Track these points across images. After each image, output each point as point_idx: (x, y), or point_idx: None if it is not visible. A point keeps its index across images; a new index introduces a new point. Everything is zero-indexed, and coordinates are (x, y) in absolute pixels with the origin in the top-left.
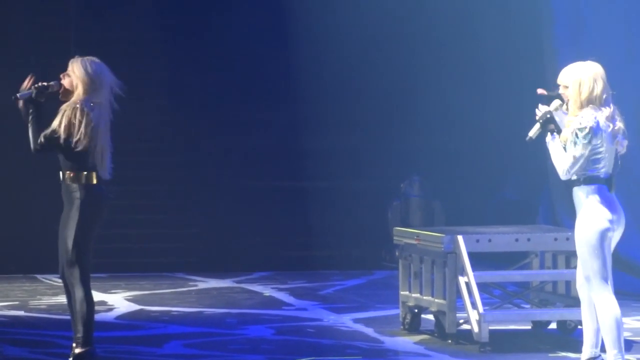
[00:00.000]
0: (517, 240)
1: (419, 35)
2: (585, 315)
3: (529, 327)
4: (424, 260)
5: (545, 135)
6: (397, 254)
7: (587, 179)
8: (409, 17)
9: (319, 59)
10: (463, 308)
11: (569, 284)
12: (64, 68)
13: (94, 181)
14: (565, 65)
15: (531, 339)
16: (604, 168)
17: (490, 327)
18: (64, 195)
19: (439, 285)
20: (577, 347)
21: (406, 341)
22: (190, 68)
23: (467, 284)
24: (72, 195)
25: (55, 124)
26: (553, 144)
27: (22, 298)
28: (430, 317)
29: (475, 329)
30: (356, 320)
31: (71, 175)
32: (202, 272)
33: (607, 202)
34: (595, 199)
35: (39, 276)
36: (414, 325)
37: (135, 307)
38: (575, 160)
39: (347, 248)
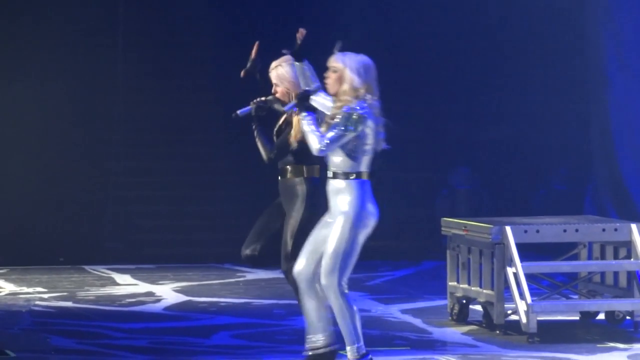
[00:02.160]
0: (565, 230)
1: (465, 29)
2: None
3: (577, 318)
4: (472, 250)
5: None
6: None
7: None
8: (455, 11)
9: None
10: (511, 299)
11: (617, 275)
12: (110, 63)
13: (316, 174)
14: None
15: (579, 330)
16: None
17: (539, 318)
18: (282, 190)
19: (487, 276)
20: (625, 337)
21: (454, 332)
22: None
23: (515, 275)
24: (295, 189)
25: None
26: (306, 121)
27: (70, 289)
28: (479, 307)
29: (524, 320)
30: (404, 311)
31: (292, 169)
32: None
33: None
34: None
35: (87, 267)
36: (462, 316)
37: (183, 298)
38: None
39: (395, 239)
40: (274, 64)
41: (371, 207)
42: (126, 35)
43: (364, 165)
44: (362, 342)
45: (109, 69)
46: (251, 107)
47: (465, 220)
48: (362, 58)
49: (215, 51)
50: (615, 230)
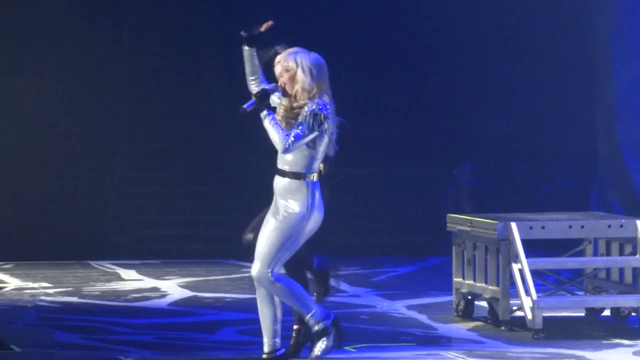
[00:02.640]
0: (570, 227)
1: (470, 26)
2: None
3: (583, 314)
4: (477, 246)
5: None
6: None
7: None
8: (459, 9)
9: (373, 48)
10: (516, 295)
11: (623, 271)
12: (116, 58)
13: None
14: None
15: (585, 326)
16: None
17: (544, 314)
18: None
19: (493, 272)
20: (631, 334)
21: (460, 328)
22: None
23: (521, 271)
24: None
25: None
26: (268, 119)
27: (75, 284)
28: (484, 303)
29: (529, 316)
30: (409, 307)
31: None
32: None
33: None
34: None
35: (92, 262)
36: (467, 312)
37: (188, 293)
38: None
39: (401, 235)
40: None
41: (319, 209)
42: (131, 30)
43: (316, 166)
44: (315, 308)
45: (114, 64)
46: (255, 99)
47: (471, 216)
48: (314, 57)
49: (222, 46)
50: (621, 226)
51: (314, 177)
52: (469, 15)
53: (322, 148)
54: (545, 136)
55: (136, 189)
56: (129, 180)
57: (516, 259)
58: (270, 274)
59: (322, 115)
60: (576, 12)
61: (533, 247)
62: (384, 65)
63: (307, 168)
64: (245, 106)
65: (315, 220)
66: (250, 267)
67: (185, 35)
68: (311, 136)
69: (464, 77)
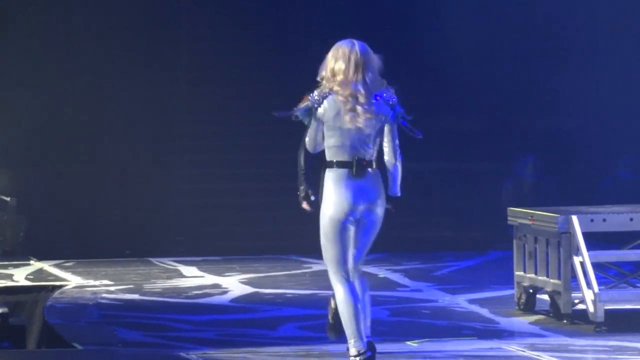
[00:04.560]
0: (631, 219)
1: (529, 22)
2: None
3: None
4: (538, 240)
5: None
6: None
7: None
8: (519, 4)
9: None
10: (578, 288)
11: None
12: (173, 59)
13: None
14: None
15: None
16: (342, 150)
17: (606, 307)
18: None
19: (554, 265)
20: None
21: (521, 321)
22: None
23: (582, 264)
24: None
25: None
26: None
27: (136, 282)
28: (545, 297)
29: (591, 309)
30: (471, 301)
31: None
32: (315, 254)
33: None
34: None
35: (153, 259)
36: (529, 306)
37: (249, 289)
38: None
39: (461, 229)
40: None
41: (343, 197)
42: (189, 31)
43: (334, 154)
44: (353, 339)
45: (171, 64)
46: (292, 113)
47: (532, 209)
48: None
49: (275, 52)
50: None
51: (331, 165)
52: (527, 12)
53: (329, 138)
54: (605, 129)
55: (196, 186)
56: (188, 178)
57: (577, 252)
58: (335, 276)
59: (306, 106)
60: (637, 6)
61: (594, 240)
62: (441, 61)
63: (326, 158)
64: (278, 113)
65: (341, 211)
66: (314, 263)
67: (241, 38)
68: (309, 128)
69: (523, 71)
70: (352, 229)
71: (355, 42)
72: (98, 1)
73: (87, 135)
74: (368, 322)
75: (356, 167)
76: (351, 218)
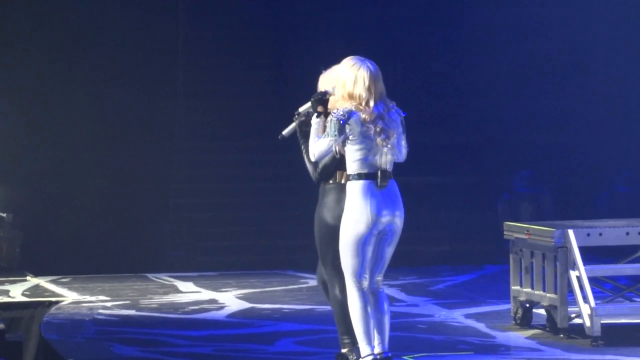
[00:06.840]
0: (628, 233)
1: (526, 35)
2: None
3: None
4: (534, 254)
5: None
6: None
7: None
8: (514, 17)
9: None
10: (574, 302)
11: None
12: (171, 71)
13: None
14: None
15: None
16: (367, 163)
17: (602, 321)
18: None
19: (550, 280)
20: None
21: (518, 336)
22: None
23: (579, 278)
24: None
25: None
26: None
27: (133, 297)
28: (542, 311)
29: (588, 323)
30: (467, 316)
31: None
32: (312, 269)
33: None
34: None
35: (149, 275)
36: (525, 320)
37: (246, 305)
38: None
39: (458, 243)
40: (325, 72)
41: (368, 209)
42: (186, 41)
43: (360, 166)
44: (364, 342)
45: (169, 76)
46: (295, 124)
47: (528, 224)
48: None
49: (275, 58)
50: None
51: (358, 177)
52: (524, 25)
53: (355, 150)
54: (602, 143)
55: (192, 201)
56: (184, 193)
57: (574, 266)
58: (351, 282)
59: (334, 120)
60: (632, 22)
61: (590, 254)
62: (438, 73)
63: (349, 170)
64: (284, 132)
65: (366, 222)
66: (310, 278)
67: (238, 47)
68: (323, 139)
69: (519, 85)
70: (373, 242)
71: (367, 61)
72: (93, 15)
73: (84, 151)
74: (386, 335)
75: (381, 178)
76: (374, 232)
